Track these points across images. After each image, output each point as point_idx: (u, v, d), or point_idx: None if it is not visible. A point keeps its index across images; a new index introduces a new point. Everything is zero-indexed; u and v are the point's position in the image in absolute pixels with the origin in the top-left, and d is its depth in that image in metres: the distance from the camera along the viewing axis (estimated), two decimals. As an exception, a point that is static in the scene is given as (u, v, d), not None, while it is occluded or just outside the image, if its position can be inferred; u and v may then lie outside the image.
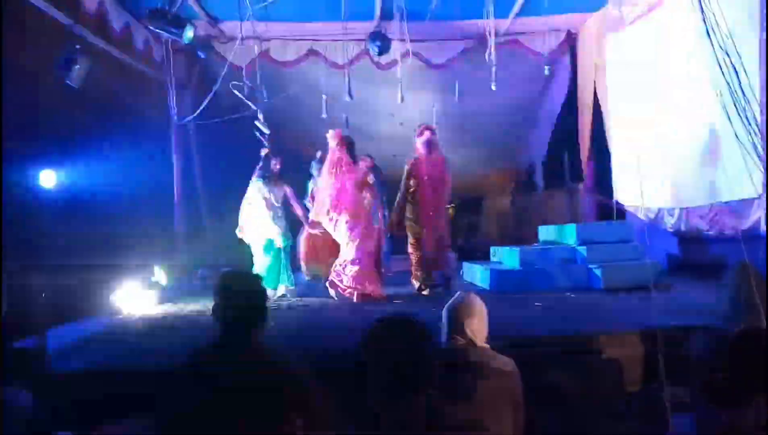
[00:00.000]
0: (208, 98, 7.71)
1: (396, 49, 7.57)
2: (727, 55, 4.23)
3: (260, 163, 6.54)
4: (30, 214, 5.06)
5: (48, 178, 5.74)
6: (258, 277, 2.52)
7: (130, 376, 3.50)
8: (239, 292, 2.36)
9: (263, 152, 6.67)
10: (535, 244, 7.63)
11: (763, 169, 4.74)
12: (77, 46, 5.99)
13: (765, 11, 4.63)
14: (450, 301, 2.69)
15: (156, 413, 2.33)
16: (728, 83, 4.31)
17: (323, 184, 6.30)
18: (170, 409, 2.24)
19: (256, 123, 6.64)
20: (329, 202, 6.14)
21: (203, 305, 6.04)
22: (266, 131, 6.90)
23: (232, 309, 2.31)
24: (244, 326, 2.30)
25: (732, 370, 1.77)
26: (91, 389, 3.40)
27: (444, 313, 2.65)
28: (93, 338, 4.76)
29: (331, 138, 6.32)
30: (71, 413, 3.11)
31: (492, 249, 7.77)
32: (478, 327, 2.64)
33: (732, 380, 1.77)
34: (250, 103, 6.78)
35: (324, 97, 7.22)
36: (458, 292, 2.76)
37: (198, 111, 7.98)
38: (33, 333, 3.62)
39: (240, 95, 6.77)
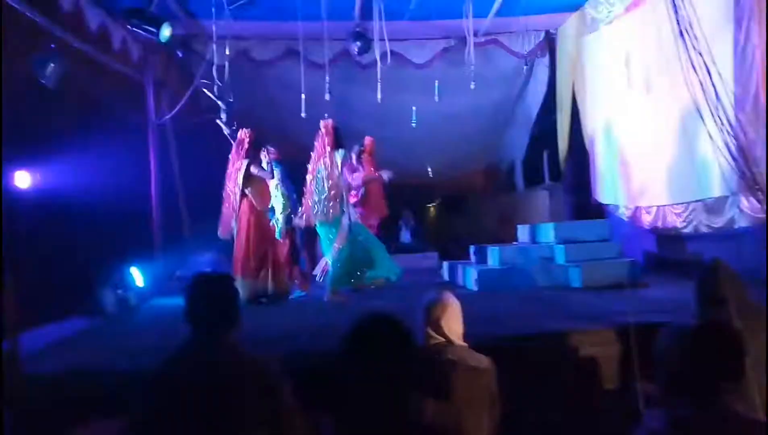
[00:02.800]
0: (186, 97, 7.65)
1: (376, 48, 7.57)
2: (701, 55, 4.30)
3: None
4: (3, 214, 4.98)
5: (23, 179, 5.67)
6: (230, 279, 2.50)
7: (104, 378, 3.46)
8: (211, 295, 2.34)
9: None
10: (515, 243, 7.68)
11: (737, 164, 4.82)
12: (52, 46, 5.90)
13: (765, 13, 4.70)
14: (426, 300, 2.70)
15: (129, 415, 2.30)
16: (701, 83, 4.38)
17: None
18: (142, 411, 2.23)
19: (218, 121, 6.64)
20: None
21: (179, 307, 5.98)
22: (226, 130, 6.89)
23: (204, 311, 2.29)
24: (215, 328, 2.29)
25: (694, 363, 1.80)
26: (64, 392, 3.36)
27: (420, 311, 2.67)
28: (67, 340, 4.71)
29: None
30: (44, 416, 3.07)
31: (472, 248, 7.81)
32: (454, 325, 2.66)
33: (695, 373, 1.80)
34: (219, 102, 6.75)
35: (303, 96, 7.20)
36: (434, 291, 2.77)
37: (175, 110, 7.92)
38: (6, 336, 3.57)
39: (209, 94, 6.73)
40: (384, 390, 1.93)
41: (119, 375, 3.45)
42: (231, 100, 6.72)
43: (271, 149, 6.81)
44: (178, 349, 2.32)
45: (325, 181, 6.21)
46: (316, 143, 6.41)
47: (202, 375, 2.20)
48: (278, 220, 6.76)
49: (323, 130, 6.40)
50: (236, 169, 6.40)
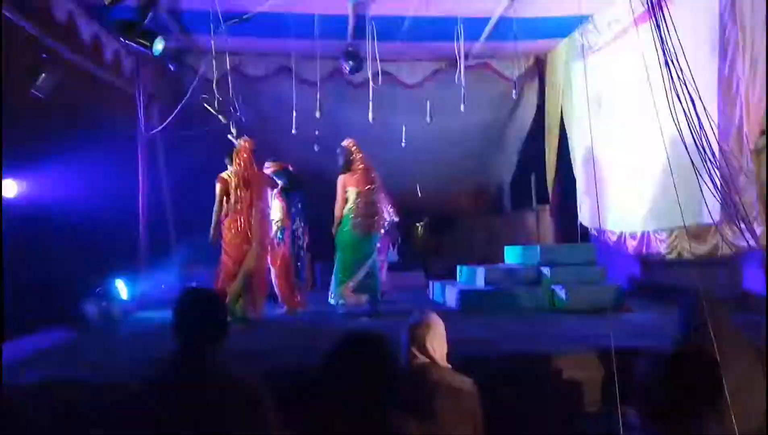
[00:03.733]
0: (176, 110, 7.66)
1: (368, 68, 7.64)
2: (685, 85, 4.37)
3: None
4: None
5: (10, 188, 5.64)
6: (217, 295, 2.51)
7: (83, 390, 3.43)
8: (198, 309, 2.35)
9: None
10: (501, 264, 7.72)
11: (720, 194, 4.89)
12: (44, 56, 5.92)
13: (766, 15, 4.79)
14: (410, 320, 2.72)
15: (111, 429, 2.29)
16: (685, 112, 4.45)
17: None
18: (125, 425, 2.22)
19: (229, 137, 6.63)
20: None
21: (163, 320, 5.95)
22: (236, 144, 6.90)
23: (190, 325, 2.30)
24: (201, 342, 2.29)
25: (673, 388, 1.83)
26: (45, 404, 3.33)
27: (404, 331, 2.68)
28: (48, 352, 4.67)
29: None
30: (24, 428, 3.03)
31: (458, 268, 7.84)
32: (437, 345, 2.68)
33: (673, 398, 1.82)
34: (221, 117, 6.76)
35: (294, 113, 7.24)
36: (417, 311, 2.79)
37: (165, 123, 7.92)
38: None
39: (211, 109, 6.74)
40: (366, 409, 1.94)
41: (98, 388, 3.42)
42: (238, 113, 6.73)
43: (270, 163, 6.86)
44: (161, 362, 2.31)
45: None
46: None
47: (184, 390, 2.20)
48: (276, 231, 6.85)
49: (353, 148, 6.50)
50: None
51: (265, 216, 6.34)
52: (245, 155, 6.15)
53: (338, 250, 6.46)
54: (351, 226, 6.35)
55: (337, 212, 6.43)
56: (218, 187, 6.12)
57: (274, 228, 6.87)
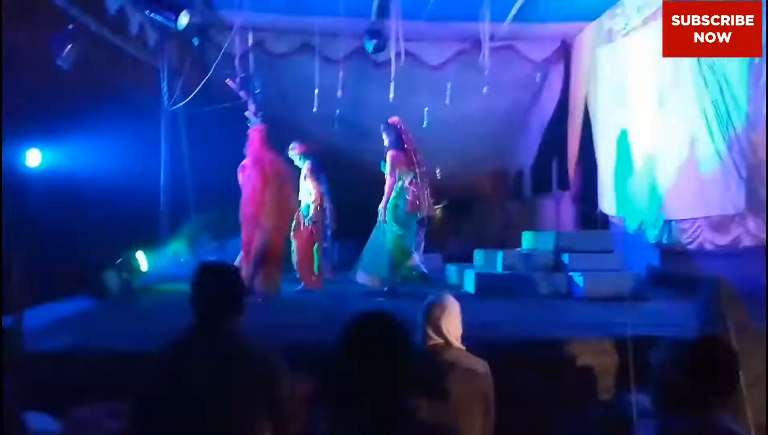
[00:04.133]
0: (200, 85, 7.68)
1: (391, 47, 7.59)
2: (713, 73, 4.30)
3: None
4: (13, 192, 5.02)
5: (33, 158, 5.71)
6: (236, 269, 2.53)
7: (105, 359, 3.50)
8: (215, 283, 2.37)
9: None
10: (518, 249, 7.68)
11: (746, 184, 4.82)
12: (70, 27, 5.95)
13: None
14: (425, 301, 2.72)
15: (129, 398, 2.34)
16: (713, 101, 4.38)
17: None
18: (143, 395, 2.26)
19: (247, 114, 6.63)
20: None
21: (183, 292, 6.02)
22: (255, 121, 6.92)
23: (208, 299, 2.33)
24: (219, 316, 2.32)
25: (688, 377, 1.82)
26: (65, 371, 3.40)
27: (419, 312, 2.69)
28: (70, 320, 4.76)
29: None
30: (45, 395, 3.10)
31: (476, 252, 7.82)
32: (453, 326, 2.68)
33: (688, 387, 1.81)
34: (241, 94, 6.76)
35: (316, 91, 7.23)
36: (433, 292, 2.79)
37: (189, 98, 7.95)
38: (9, 312, 3.60)
39: (232, 84, 6.74)
40: (380, 389, 1.95)
41: (120, 357, 3.49)
42: (257, 92, 6.73)
43: (296, 144, 6.89)
44: (179, 335, 2.35)
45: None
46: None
47: (201, 361, 2.23)
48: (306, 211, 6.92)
49: (403, 127, 6.52)
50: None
51: (282, 197, 6.34)
52: (255, 143, 6.25)
53: (391, 229, 6.38)
54: (405, 206, 6.36)
55: (388, 191, 6.40)
56: (240, 176, 6.25)
57: (303, 207, 6.90)
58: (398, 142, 6.48)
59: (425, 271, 6.51)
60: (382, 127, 6.60)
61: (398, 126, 6.55)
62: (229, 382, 2.19)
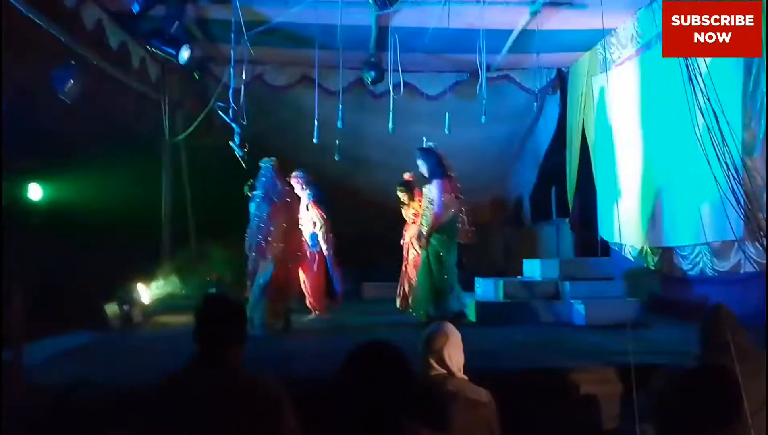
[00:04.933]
0: (200, 118, 7.76)
1: (389, 79, 7.68)
2: (709, 100, 4.35)
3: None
4: (15, 225, 5.04)
5: (36, 191, 5.75)
6: (237, 301, 2.55)
7: (106, 392, 3.48)
8: (219, 316, 2.40)
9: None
10: (519, 277, 7.68)
11: (744, 210, 4.85)
12: (72, 62, 6.04)
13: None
14: (427, 331, 2.72)
15: (131, 431, 2.32)
16: (708, 127, 4.42)
17: None
18: (144, 427, 2.25)
19: (230, 143, 6.70)
20: None
21: (185, 324, 6.00)
22: (239, 153, 6.97)
23: (211, 331, 2.34)
24: (221, 347, 2.33)
25: (691, 405, 1.81)
26: (66, 405, 3.38)
27: (421, 342, 2.68)
28: (71, 353, 4.74)
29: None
30: (46, 429, 3.09)
31: (476, 280, 7.81)
32: (455, 356, 2.67)
33: (691, 416, 1.81)
34: (233, 124, 6.82)
35: (316, 122, 7.29)
36: (435, 322, 2.79)
37: (189, 130, 8.03)
38: (9, 346, 3.59)
39: (224, 116, 6.81)
40: (381, 417, 1.94)
41: (120, 389, 3.46)
42: (244, 123, 6.78)
43: (299, 173, 6.92)
44: (181, 367, 2.35)
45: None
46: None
47: (203, 393, 2.23)
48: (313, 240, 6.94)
49: (441, 152, 6.40)
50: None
51: (293, 230, 6.39)
52: (268, 175, 6.24)
53: (439, 260, 6.22)
54: (455, 235, 6.26)
55: (436, 220, 6.17)
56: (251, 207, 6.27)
57: (309, 236, 6.92)
58: (441, 169, 6.29)
59: (464, 307, 6.39)
60: (417, 154, 6.43)
61: (437, 152, 6.37)
62: (231, 414, 2.19)
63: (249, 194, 6.31)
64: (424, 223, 6.32)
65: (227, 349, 2.33)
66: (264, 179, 6.21)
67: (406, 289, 7.79)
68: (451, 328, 2.75)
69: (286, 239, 6.23)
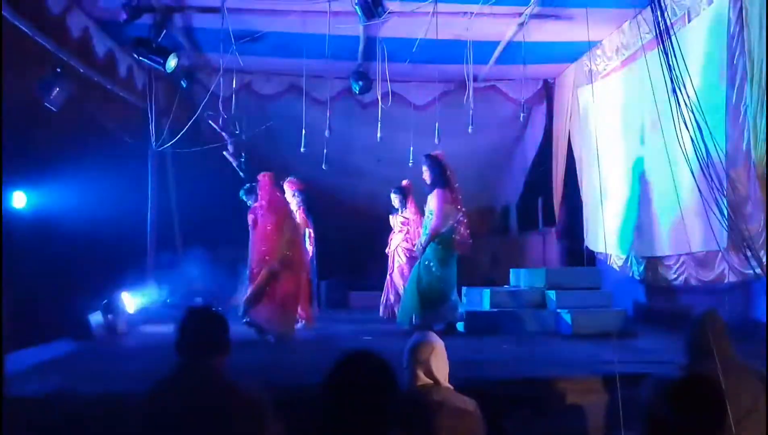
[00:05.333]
0: (187, 126, 7.73)
1: (377, 88, 7.71)
2: (692, 112, 4.41)
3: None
4: (-1, 234, 5.00)
5: (19, 200, 5.69)
6: (220, 313, 2.55)
7: (90, 402, 3.44)
8: (201, 328, 2.41)
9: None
10: (506, 287, 7.70)
11: (727, 221, 4.90)
12: (58, 70, 6.00)
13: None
14: (411, 341, 2.71)
15: None
16: (692, 139, 4.48)
17: None
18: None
19: (225, 154, 6.68)
20: None
21: (169, 333, 5.96)
22: (234, 162, 6.94)
23: (193, 343, 2.36)
24: (204, 357, 2.33)
25: (677, 415, 1.82)
26: (49, 415, 3.34)
27: (405, 353, 2.68)
28: (54, 363, 4.68)
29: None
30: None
31: (463, 289, 7.82)
32: (441, 366, 2.68)
33: (677, 425, 1.81)
34: (223, 134, 6.82)
35: (304, 131, 7.29)
36: (418, 332, 2.79)
37: (176, 139, 7.99)
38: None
39: (214, 125, 6.80)
40: (366, 427, 1.93)
41: (104, 400, 3.43)
42: (238, 132, 6.78)
43: (293, 180, 6.95)
44: (165, 377, 2.34)
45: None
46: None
47: (187, 402, 2.22)
48: None
49: (446, 162, 6.39)
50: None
51: (296, 239, 6.39)
52: (267, 187, 6.25)
53: (442, 270, 6.19)
54: (452, 245, 6.22)
55: (435, 230, 6.13)
56: (250, 217, 6.25)
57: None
58: (445, 179, 6.29)
59: (458, 319, 6.37)
60: (423, 160, 6.42)
61: (442, 160, 6.36)
62: (215, 423, 2.18)
63: (246, 201, 6.31)
64: (423, 232, 6.33)
65: (210, 360, 2.33)
66: (263, 191, 6.22)
67: (391, 297, 7.80)
68: (435, 337, 2.76)
69: (293, 250, 6.26)
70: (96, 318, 6.05)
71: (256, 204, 6.29)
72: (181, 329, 2.40)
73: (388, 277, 7.96)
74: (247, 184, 6.46)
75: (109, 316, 6.28)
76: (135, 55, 6.77)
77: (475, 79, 8.00)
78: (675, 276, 6.49)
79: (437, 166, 6.31)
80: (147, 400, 2.30)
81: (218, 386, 2.30)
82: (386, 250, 8.05)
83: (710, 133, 4.61)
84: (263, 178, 6.31)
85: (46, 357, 4.80)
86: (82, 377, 4.10)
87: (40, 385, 3.77)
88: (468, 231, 6.40)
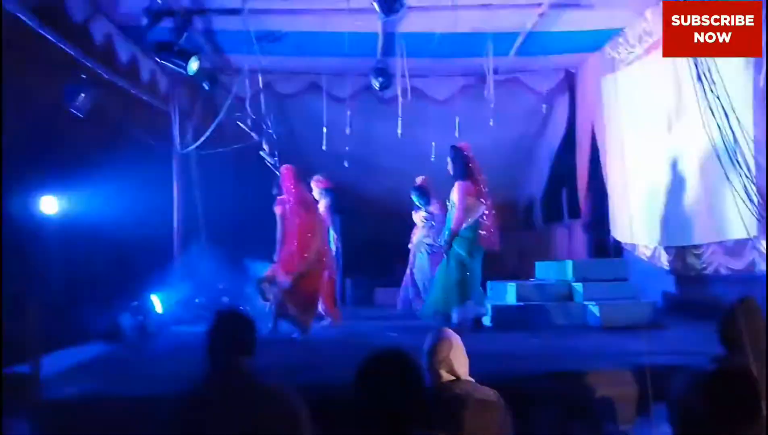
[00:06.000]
0: (211, 128, 7.81)
1: (397, 84, 7.70)
2: (718, 99, 4.33)
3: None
4: (30, 239, 5.10)
5: (50, 205, 5.79)
6: (248, 314, 2.60)
7: (122, 404, 3.50)
8: (230, 330, 2.45)
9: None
10: (532, 280, 7.65)
11: (757, 208, 4.81)
12: (83, 76, 6.10)
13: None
14: (428, 341, 2.71)
15: None
16: (719, 126, 4.40)
17: None
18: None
19: (261, 153, 6.73)
20: None
21: (198, 334, 6.03)
22: (270, 160, 6.99)
23: (224, 346, 2.40)
24: (235, 359, 2.36)
25: (710, 407, 1.80)
26: (83, 417, 3.40)
27: (424, 353, 2.68)
28: (86, 365, 4.77)
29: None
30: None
31: (489, 284, 7.79)
32: (461, 361, 2.68)
33: (710, 417, 1.79)
34: (253, 135, 6.87)
35: (325, 129, 7.32)
36: (433, 331, 2.79)
37: (200, 141, 8.08)
38: (27, 359, 3.63)
39: (244, 126, 6.85)
40: (394, 424, 1.94)
41: (136, 401, 3.48)
42: (270, 131, 6.82)
43: (320, 178, 6.97)
44: (197, 380, 2.37)
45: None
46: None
47: (220, 404, 2.24)
48: None
49: (471, 154, 6.26)
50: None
51: (323, 238, 6.42)
52: (290, 180, 6.23)
53: (460, 264, 6.06)
54: (477, 239, 6.04)
55: (457, 223, 6.01)
56: (278, 209, 6.23)
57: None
58: (467, 171, 6.14)
59: (484, 314, 6.27)
60: (449, 152, 6.31)
61: (467, 152, 6.23)
62: (250, 425, 2.20)
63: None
64: (446, 225, 6.22)
65: (239, 361, 2.36)
66: (286, 185, 6.20)
67: (410, 292, 7.82)
68: (451, 333, 2.76)
69: (321, 248, 6.29)
70: (126, 320, 6.14)
71: (282, 196, 6.26)
72: (210, 332, 2.45)
73: (408, 271, 7.98)
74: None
75: (139, 318, 6.37)
76: (157, 59, 6.84)
77: (495, 72, 7.95)
78: (704, 265, 6.39)
79: (459, 158, 6.20)
80: (182, 402, 2.33)
81: (252, 387, 2.32)
82: (409, 245, 8.08)
83: (737, 118, 4.53)
84: (286, 170, 6.31)
85: (79, 360, 4.89)
86: (113, 379, 4.16)
87: (73, 387, 3.83)
88: (495, 224, 6.24)
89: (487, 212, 6.16)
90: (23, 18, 5.15)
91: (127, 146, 6.84)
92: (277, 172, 6.75)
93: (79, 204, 5.97)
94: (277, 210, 6.22)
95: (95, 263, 5.90)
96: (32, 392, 3.43)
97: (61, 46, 5.80)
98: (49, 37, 5.57)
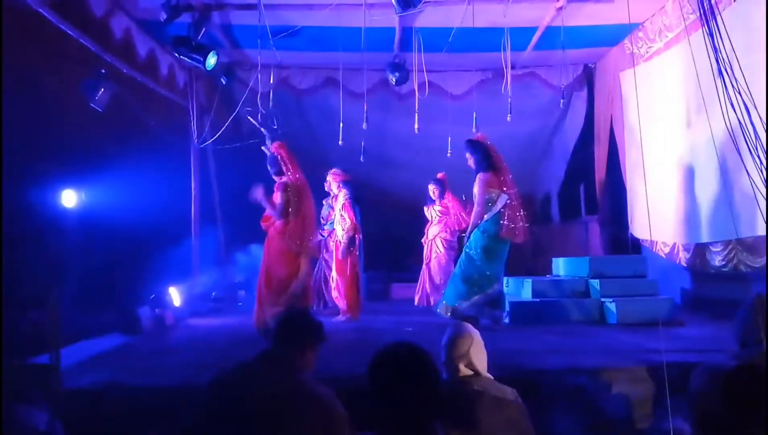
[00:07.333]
0: (227, 123, 7.86)
1: (414, 79, 7.68)
2: (740, 94, 4.26)
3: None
4: (50, 232, 5.17)
5: (69, 198, 5.87)
6: (316, 318, 2.66)
7: (141, 395, 3.54)
8: (296, 329, 2.54)
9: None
10: (549, 276, 7.62)
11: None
12: (102, 71, 6.17)
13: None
14: (447, 335, 2.70)
15: (182, 428, 2.35)
16: (740, 122, 4.33)
17: None
18: (196, 423, 2.28)
19: (263, 148, 6.75)
20: None
21: (216, 325, 6.09)
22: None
23: (288, 336, 2.49)
24: (292, 351, 2.45)
25: (727, 405, 1.78)
26: (103, 407, 3.45)
27: (443, 347, 2.67)
28: (105, 356, 4.83)
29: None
30: (84, 430, 3.15)
31: (505, 279, 7.77)
32: (481, 357, 2.67)
33: (727, 415, 1.78)
34: (262, 129, 6.90)
35: (341, 124, 7.32)
36: (452, 326, 2.78)
37: (217, 135, 8.13)
38: (48, 350, 3.69)
39: (253, 121, 6.88)
40: (409, 419, 1.95)
41: (153, 391, 3.53)
42: (275, 127, 6.85)
43: (338, 171, 6.99)
44: (247, 359, 2.41)
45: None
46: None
47: (261, 390, 2.27)
48: (341, 240, 7.02)
49: (490, 143, 6.09)
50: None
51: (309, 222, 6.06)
52: (289, 158, 5.84)
53: (478, 257, 5.93)
54: (499, 232, 5.88)
55: (477, 217, 5.94)
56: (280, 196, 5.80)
57: (341, 237, 7.00)
58: (488, 162, 6.00)
59: (503, 311, 6.11)
60: (465, 146, 6.18)
61: (485, 143, 6.08)
62: (285, 420, 2.21)
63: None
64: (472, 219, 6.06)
65: (297, 355, 2.43)
66: (286, 164, 5.84)
67: (428, 287, 7.83)
68: (471, 328, 2.75)
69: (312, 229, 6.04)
70: (145, 312, 6.22)
71: (284, 178, 5.79)
72: (280, 323, 2.54)
73: (424, 266, 8.00)
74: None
75: (157, 310, 6.44)
76: (175, 54, 6.90)
77: (513, 67, 7.90)
78: (724, 262, 6.32)
79: (479, 149, 6.05)
80: (226, 379, 2.36)
81: (297, 384, 2.35)
82: (422, 240, 8.08)
83: (759, 114, 4.45)
84: (278, 148, 5.86)
85: (98, 351, 4.96)
86: (132, 371, 4.21)
87: (93, 378, 3.89)
88: (519, 216, 6.01)
89: (509, 202, 5.99)
90: (44, 13, 5.22)
91: (145, 140, 6.90)
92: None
93: (97, 198, 6.05)
94: (279, 196, 5.71)
95: (114, 256, 5.96)
96: (53, 382, 3.48)
97: (82, 41, 5.87)
98: (69, 32, 5.63)
